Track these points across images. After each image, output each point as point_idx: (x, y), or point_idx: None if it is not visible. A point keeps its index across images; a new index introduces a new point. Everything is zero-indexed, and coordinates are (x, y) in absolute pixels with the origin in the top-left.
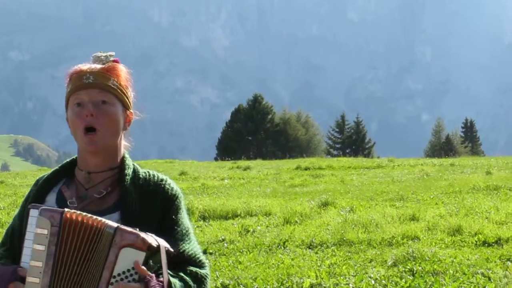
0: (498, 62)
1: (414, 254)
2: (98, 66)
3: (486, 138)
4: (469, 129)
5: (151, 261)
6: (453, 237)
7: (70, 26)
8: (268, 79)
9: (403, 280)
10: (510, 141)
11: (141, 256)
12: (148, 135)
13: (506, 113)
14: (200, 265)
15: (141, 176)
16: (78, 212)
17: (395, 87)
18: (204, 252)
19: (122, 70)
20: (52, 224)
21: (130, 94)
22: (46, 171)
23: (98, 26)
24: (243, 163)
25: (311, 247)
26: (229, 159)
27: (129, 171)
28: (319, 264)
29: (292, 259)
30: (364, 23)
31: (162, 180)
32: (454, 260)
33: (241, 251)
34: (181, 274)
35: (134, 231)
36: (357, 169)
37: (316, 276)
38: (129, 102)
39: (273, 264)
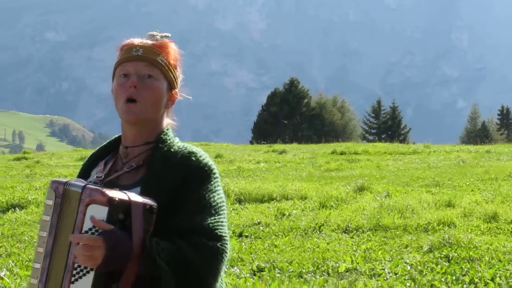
0: None
1: (450, 240)
2: (150, 42)
3: None
4: (505, 116)
5: (120, 215)
6: (489, 224)
7: (106, 7)
8: (304, 63)
9: (439, 266)
10: None
11: (104, 211)
12: (183, 117)
13: None
14: (215, 238)
15: (172, 150)
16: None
17: (431, 73)
18: (240, 235)
19: (173, 49)
20: (56, 195)
21: (178, 74)
22: (81, 152)
23: (134, 7)
24: (278, 146)
25: (346, 231)
26: (265, 142)
27: (161, 145)
28: (354, 249)
29: (328, 243)
30: (401, 8)
31: (191, 152)
32: (490, 247)
33: (276, 234)
34: (178, 241)
35: (99, 187)
36: (393, 155)
37: (352, 260)
38: (176, 81)
39: (308, 248)
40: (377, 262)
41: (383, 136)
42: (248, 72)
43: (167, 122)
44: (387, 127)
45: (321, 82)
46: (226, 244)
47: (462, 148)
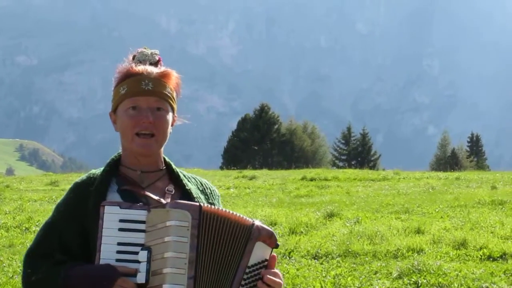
0: (505, 77)
1: (419, 267)
2: (154, 70)
3: (491, 152)
4: (474, 144)
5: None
6: (458, 250)
7: (77, 31)
8: (275, 89)
9: None
10: None
11: (269, 251)
12: None
13: None
14: None
15: (189, 176)
16: (211, 205)
17: (401, 99)
18: None
19: (174, 76)
20: (193, 216)
21: (177, 98)
22: (51, 176)
23: (106, 31)
24: (249, 172)
25: (316, 257)
26: (235, 168)
27: (178, 171)
28: (324, 275)
29: (298, 269)
30: (372, 35)
31: (207, 181)
32: (459, 273)
33: None
34: None
35: (268, 228)
36: (363, 181)
37: (321, 287)
38: (175, 107)
39: None
40: None
41: (353, 163)
42: (219, 97)
43: None
44: (357, 153)
45: (292, 108)
46: None
47: (431, 175)
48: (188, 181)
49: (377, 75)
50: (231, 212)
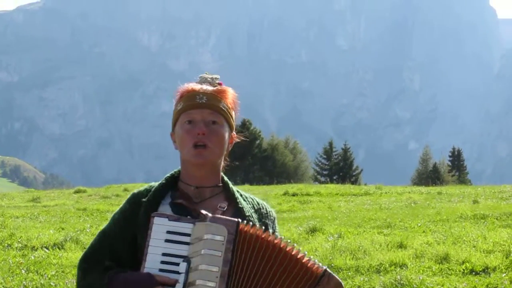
0: (486, 91)
1: (402, 281)
2: (209, 87)
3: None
4: (456, 158)
5: None
6: (440, 265)
7: (58, 47)
8: (256, 104)
9: None
10: (496, 171)
11: None
12: (135, 158)
13: (493, 142)
14: None
15: (247, 195)
16: (249, 223)
17: (383, 114)
18: None
19: (231, 94)
20: (229, 231)
21: (235, 117)
22: (33, 193)
23: (86, 47)
24: None
25: None
26: None
27: (235, 189)
28: None
29: None
30: (353, 50)
31: (263, 201)
32: (442, 287)
33: None
34: None
35: (337, 278)
36: (345, 196)
37: None
38: (234, 125)
39: None
40: None
41: (334, 178)
42: None
43: (222, 164)
44: (339, 168)
45: (273, 123)
46: None
47: (413, 190)
48: (244, 199)
49: (358, 90)
50: (278, 237)
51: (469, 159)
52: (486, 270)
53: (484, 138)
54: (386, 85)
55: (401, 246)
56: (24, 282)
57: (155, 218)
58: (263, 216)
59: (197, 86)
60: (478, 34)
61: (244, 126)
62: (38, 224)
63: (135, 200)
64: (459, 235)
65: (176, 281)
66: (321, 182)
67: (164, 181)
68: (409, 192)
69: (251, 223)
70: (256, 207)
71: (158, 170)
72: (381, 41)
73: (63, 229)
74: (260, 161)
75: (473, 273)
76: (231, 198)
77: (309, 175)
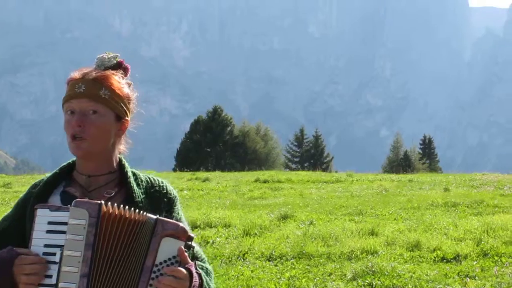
0: (457, 79)
1: (373, 269)
2: (93, 73)
3: (443, 154)
4: (427, 146)
5: (188, 248)
6: (412, 252)
7: (30, 32)
8: (228, 91)
9: None
10: (467, 158)
11: (180, 245)
12: None
13: (464, 130)
14: (204, 260)
15: (142, 178)
16: (114, 204)
17: (354, 102)
18: None
19: (116, 80)
20: (90, 215)
21: (129, 102)
22: (3, 178)
23: (58, 33)
24: (202, 174)
25: (270, 259)
26: (188, 170)
27: (130, 174)
28: (278, 276)
29: (252, 271)
30: (325, 37)
31: (162, 182)
32: (413, 275)
33: None
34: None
35: (174, 221)
36: (316, 183)
37: None
38: (126, 110)
39: (233, 275)
40: None
41: (305, 165)
42: (172, 99)
43: (120, 149)
44: (310, 155)
45: (245, 110)
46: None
47: (384, 177)
48: (139, 183)
49: (330, 78)
50: (134, 211)
51: (440, 147)
52: (457, 258)
53: (455, 126)
54: (357, 73)
55: (372, 233)
56: None
57: (38, 210)
58: (156, 198)
59: (80, 73)
60: (449, 22)
61: (216, 113)
62: (9, 209)
63: (29, 190)
64: (430, 223)
65: (37, 254)
66: (292, 169)
67: (58, 171)
68: (380, 180)
69: (115, 204)
70: (149, 190)
71: (129, 156)
72: (353, 29)
73: None
74: (232, 148)
75: (444, 260)
76: (124, 184)
77: (280, 162)
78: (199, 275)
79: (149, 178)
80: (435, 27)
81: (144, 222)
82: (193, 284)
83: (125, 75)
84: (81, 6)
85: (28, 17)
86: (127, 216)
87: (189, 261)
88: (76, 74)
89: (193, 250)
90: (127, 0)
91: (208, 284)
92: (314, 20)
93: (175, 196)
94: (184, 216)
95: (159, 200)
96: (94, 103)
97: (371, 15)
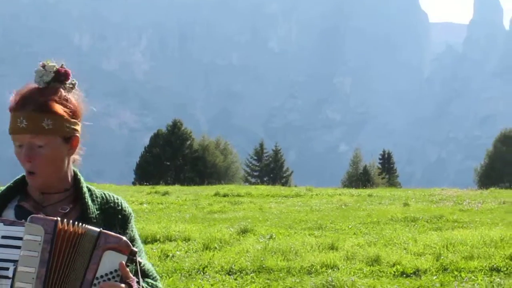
0: (416, 95)
1: (333, 283)
2: (32, 99)
3: (402, 169)
4: (386, 161)
5: (130, 263)
6: (371, 267)
7: None
8: (188, 105)
9: None
10: (426, 174)
11: (123, 259)
12: None
13: (423, 146)
14: (155, 279)
15: (97, 194)
16: (69, 221)
17: (314, 117)
18: None
19: (56, 103)
20: (46, 231)
21: (76, 115)
22: None
23: (18, 47)
24: (161, 188)
25: (230, 273)
26: (147, 184)
27: (85, 190)
28: None
29: (212, 285)
30: (285, 53)
31: (117, 199)
32: None
33: (160, 275)
34: (144, 285)
35: (117, 235)
36: (276, 197)
37: None
38: (73, 128)
39: None
40: None
41: (265, 179)
42: (131, 113)
43: (74, 159)
44: (270, 170)
45: (204, 124)
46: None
47: (344, 192)
48: (94, 199)
49: (290, 93)
50: (86, 226)
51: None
52: (417, 273)
53: (414, 141)
54: (317, 88)
55: (332, 247)
56: None
57: (33, 218)
58: (110, 215)
59: (18, 99)
60: (410, 38)
61: (176, 126)
62: None
63: None
64: (390, 238)
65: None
66: (251, 183)
67: (12, 184)
68: (339, 194)
69: (71, 221)
70: (104, 207)
71: (87, 169)
72: (313, 45)
73: None
74: (191, 162)
75: (404, 275)
76: (79, 199)
77: (240, 176)
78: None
79: (104, 194)
80: (395, 43)
81: (86, 234)
82: None
83: (67, 80)
84: (39, 22)
85: None
86: (80, 232)
87: (131, 276)
88: (15, 100)
89: (136, 265)
90: (86, 15)
91: None
92: (273, 36)
93: (130, 213)
94: (138, 234)
95: (114, 216)
96: (38, 138)
97: (331, 32)
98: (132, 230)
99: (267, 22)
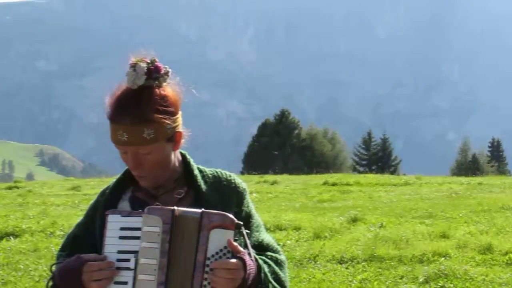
0: None
1: (445, 271)
2: (128, 110)
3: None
4: (495, 149)
5: (239, 237)
6: (484, 255)
7: (97, 37)
8: (295, 94)
9: None
10: None
11: (230, 235)
12: None
13: None
14: (278, 252)
15: (209, 174)
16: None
17: (421, 104)
18: None
19: (154, 111)
20: (164, 221)
21: (176, 110)
22: (72, 181)
23: (125, 37)
24: (270, 177)
25: (341, 262)
26: (255, 173)
27: (196, 172)
28: (350, 279)
29: (323, 274)
30: (392, 39)
31: (230, 175)
32: (486, 278)
33: None
34: (263, 257)
35: (220, 212)
36: (385, 186)
37: None
38: (175, 125)
39: (304, 278)
40: None
41: (373, 168)
42: (239, 102)
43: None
44: (378, 158)
45: (311, 113)
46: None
47: (454, 180)
48: (205, 181)
49: (397, 80)
50: (187, 209)
51: (508, 149)
52: None
53: None
54: (424, 75)
55: (443, 236)
56: None
57: (109, 216)
58: (225, 194)
59: (114, 103)
60: None
61: (283, 116)
62: (79, 212)
63: (98, 196)
64: (502, 226)
65: (105, 257)
66: (360, 172)
67: (122, 176)
68: (449, 183)
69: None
70: (217, 186)
71: (196, 160)
72: (420, 31)
73: None
74: (299, 151)
75: None
76: (191, 182)
77: (348, 165)
78: (256, 261)
79: (217, 173)
80: (502, 28)
81: (188, 217)
82: (248, 272)
83: (159, 74)
84: (145, 12)
85: (95, 22)
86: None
87: (241, 250)
88: (111, 106)
89: (245, 238)
90: (193, 4)
91: (275, 271)
92: (380, 22)
93: (244, 189)
94: (254, 208)
95: (229, 195)
96: (142, 147)
97: (439, 17)
98: (248, 206)
99: (373, 8)
